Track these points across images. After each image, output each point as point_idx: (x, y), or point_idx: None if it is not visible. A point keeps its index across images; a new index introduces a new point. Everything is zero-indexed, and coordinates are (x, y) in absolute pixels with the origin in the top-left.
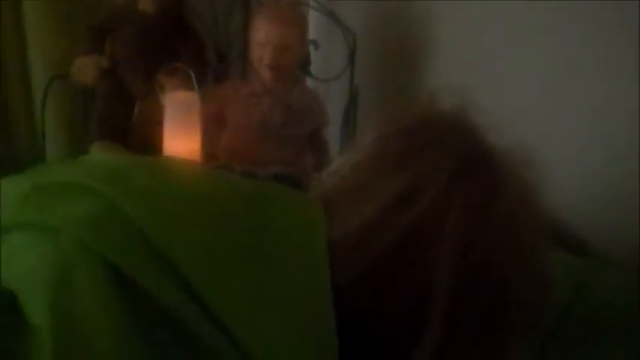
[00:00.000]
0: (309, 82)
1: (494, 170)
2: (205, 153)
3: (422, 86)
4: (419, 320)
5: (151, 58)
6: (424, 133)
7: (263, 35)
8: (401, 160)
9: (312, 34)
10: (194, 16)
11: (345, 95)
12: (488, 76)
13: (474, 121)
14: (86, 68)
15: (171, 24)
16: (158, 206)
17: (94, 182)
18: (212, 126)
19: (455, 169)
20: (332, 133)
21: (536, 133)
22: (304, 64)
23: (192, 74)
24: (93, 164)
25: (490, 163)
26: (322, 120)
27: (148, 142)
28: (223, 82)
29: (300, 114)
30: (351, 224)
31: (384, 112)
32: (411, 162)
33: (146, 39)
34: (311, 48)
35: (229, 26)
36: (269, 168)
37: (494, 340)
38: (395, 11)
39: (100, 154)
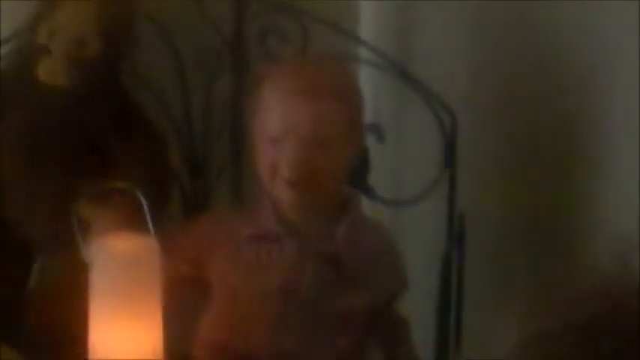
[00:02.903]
0: (369, 208)
1: None
2: (172, 353)
3: (590, 224)
4: None
5: (62, 171)
6: (622, 329)
7: (278, 122)
8: None
9: (371, 113)
10: (145, 89)
11: (441, 232)
12: None
13: None
14: None
15: (101, 106)
16: None
17: None
18: (184, 300)
19: None
20: (417, 308)
21: None
22: (359, 174)
23: (144, 201)
24: None
25: None
26: (396, 283)
27: (57, 335)
28: (203, 216)
29: (355, 272)
30: None
31: (528, 284)
32: None
33: (54, 135)
34: (370, 141)
35: (211, 105)
36: None
37: None
38: (522, 76)
39: None
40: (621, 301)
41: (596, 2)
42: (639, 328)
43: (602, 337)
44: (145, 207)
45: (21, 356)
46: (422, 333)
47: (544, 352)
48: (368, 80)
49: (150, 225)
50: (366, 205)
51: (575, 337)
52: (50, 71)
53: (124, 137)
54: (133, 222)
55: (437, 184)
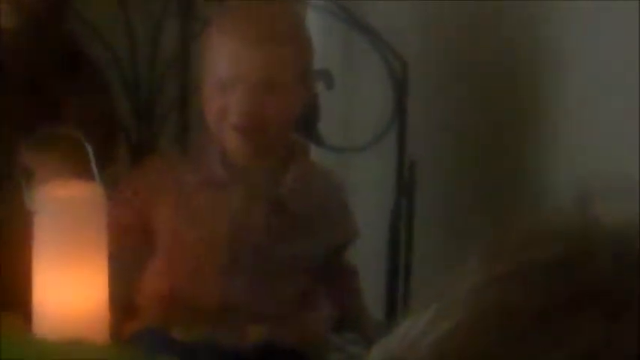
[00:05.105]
0: (319, 155)
1: None
2: (117, 303)
3: (543, 171)
4: None
5: (7, 117)
6: (584, 271)
7: (227, 67)
8: (542, 321)
9: (320, 59)
10: (90, 34)
11: (391, 179)
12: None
13: None
14: None
15: (45, 50)
16: None
17: None
18: (130, 248)
19: None
20: (366, 258)
21: None
22: (308, 121)
23: (89, 147)
24: None
25: None
26: (346, 229)
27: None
28: (149, 162)
29: (304, 219)
30: None
31: (480, 232)
32: (561, 325)
33: None
34: (319, 87)
35: (157, 53)
36: (246, 332)
37: None
38: (475, 24)
39: None
40: (578, 243)
41: None
42: (597, 269)
43: (560, 280)
44: (90, 153)
45: None
46: (371, 282)
47: (497, 298)
48: (318, 26)
49: (95, 171)
50: (315, 153)
51: (529, 280)
52: None
53: (68, 81)
54: (78, 168)
55: (387, 132)
